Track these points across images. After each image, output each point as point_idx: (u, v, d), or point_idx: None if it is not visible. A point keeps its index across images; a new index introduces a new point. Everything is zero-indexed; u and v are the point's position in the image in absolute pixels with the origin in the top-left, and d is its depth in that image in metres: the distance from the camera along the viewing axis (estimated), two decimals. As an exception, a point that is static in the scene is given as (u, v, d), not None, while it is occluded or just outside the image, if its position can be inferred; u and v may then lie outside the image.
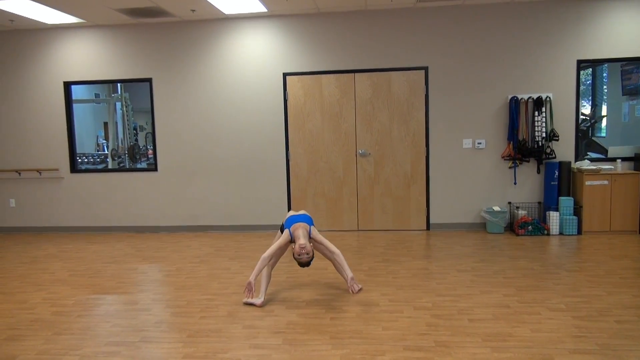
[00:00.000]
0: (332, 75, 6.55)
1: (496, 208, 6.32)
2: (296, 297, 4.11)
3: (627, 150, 6.39)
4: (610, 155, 6.49)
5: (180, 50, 6.77)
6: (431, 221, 6.60)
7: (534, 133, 6.22)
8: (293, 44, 6.59)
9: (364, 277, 4.60)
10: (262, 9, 6.19)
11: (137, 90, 10.32)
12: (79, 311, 3.94)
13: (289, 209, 6.77)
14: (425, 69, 6.42)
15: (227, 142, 6.83)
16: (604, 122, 9.29)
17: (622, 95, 8.26)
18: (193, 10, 6.17)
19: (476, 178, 6.49)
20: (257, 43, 6.65)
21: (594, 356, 2.94)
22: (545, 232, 6.09)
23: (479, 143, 6.39)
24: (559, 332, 3.30)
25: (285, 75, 6.63)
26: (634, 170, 6.14)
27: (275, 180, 6.79)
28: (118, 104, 9.83)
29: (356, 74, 6.51)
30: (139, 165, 9.92)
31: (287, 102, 6.65)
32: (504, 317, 3.58)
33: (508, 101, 6.31)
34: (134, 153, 9.54)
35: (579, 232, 6.06)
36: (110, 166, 9.39)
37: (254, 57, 6.67)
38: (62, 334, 3.49)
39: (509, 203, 6.46)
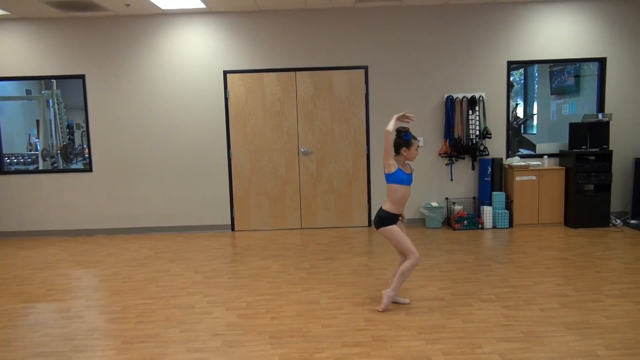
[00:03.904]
0: (273, 74, 6.52)
1: (434, 204, 6.53)
2: (236, 298, 4.09)
3: (553, 147, 6.78)
4: (538, 151, 6.87)
5: (115, 45, 6.52)
6: (372, 217, 6.72)
7: (469, 131, 6.48)
8: (233, 41, 6.51)
9: (305, 275, 4.64)
10: (200, 4, 6.07)
11: (74, 87, 9.81)
12: (4, 322, 3.73)
13: (232, 208, 6.70)
14: (365, 68, 6.53)
15: (167, 141, 6.66)
16: (535, 119, 9.81)
17: (551, 94, 8.75)
18: (127, 5, 5.96)
19: (415, 175, 6.63)
20: (196, 40, 6.52)
21: (519, 343, 3.12)
22: (480, 226, 6.37)
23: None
24: (488, 322, 3.46)
25: (225, 73, 6.54)
26: (559, 165, 6.53)
27: (217, 179, 6.70)
28: (51, 101, 9.34)
29: (297, 73, 6.53)
30: (74, 166, 9.47)
31: (228, 100, 6.57)
32: (439, 309, 3.71)
33: (444, 100, 6.53)
34: (67, 153, 9.10)
35: (511, 225, 6.38)
36: (41, 167, 8.92)
37: (194, 54, 6.53)
38: (-16, 347, 3.30)
39: (446, 199, 6.69)
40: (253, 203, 6.70)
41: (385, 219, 3.64)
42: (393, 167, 3.59)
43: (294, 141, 6.61)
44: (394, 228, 3.63)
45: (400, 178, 3.61)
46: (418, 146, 3.70)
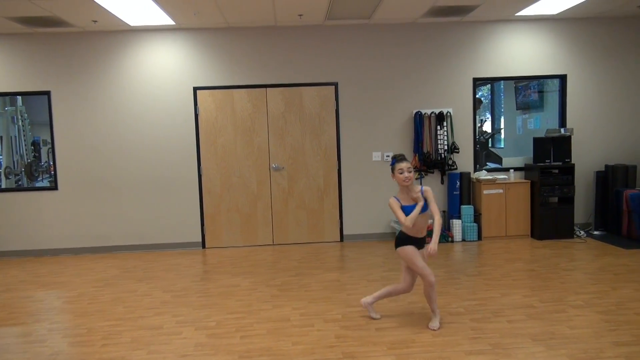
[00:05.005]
0: (243, 90, 6.53)
1: (405, 218, 6.59)
2: (206, 317, 4.02)
3: (519, 161, 6.96)
4: (504, 165, 7.03)
5: (82, 62, 6.43)
6: (344, 232, 6.75)
7: (437, 146, 6.60)
8: (203, 57, 6.50)
9: (276, 292, 4.60)
10: (169, 21, 6.05)
11: (40, 103, 9.58)
12: (-40, 348, 3.58)
13: (202, 225, 6.63)
14: (335, 84, 6.60)
15: (135, 158, 6.56)
16: (502, 134, 10.07)
17: (516, 109, 9.01)
18: (95, 21, 5.90)
19: (386, 189, 6.74)
20: (166, 56, 6.48)
21: (486, 356, 3.15)
22: (450, 239, 6.46)
23: (388, 155, 6.66)
24: (457, 335, 3.50)
25: (195, 89, 6.51)
26: (525, 179, 6.70)
27: (187, 196, 6.62)
28: (16, 118, 9.11)
29: (268, 89, 6.55)
30: (40, 183, 9.24)
31: (199, 116, 6.54)
32: (409, 324, 3.73)
33: (413, 116, 6.65)
34: (32, 170, 8.87)
35: (479, 237, 6.49)
36: (3, 185, 8.66)
37: (163, 70, 6.49)
38: (-62, 376, 3.15)
39: (417, 212, 6.76)
40: (224, 220, 6.64)
41: (400, 239, 3.70)
42: (396, 205, 3.64)
43: (265, 157, 6.61)
44: (408, 248, 3.66)
45: (405, 212, 3.62)
46: (404, 169, 3.59)
